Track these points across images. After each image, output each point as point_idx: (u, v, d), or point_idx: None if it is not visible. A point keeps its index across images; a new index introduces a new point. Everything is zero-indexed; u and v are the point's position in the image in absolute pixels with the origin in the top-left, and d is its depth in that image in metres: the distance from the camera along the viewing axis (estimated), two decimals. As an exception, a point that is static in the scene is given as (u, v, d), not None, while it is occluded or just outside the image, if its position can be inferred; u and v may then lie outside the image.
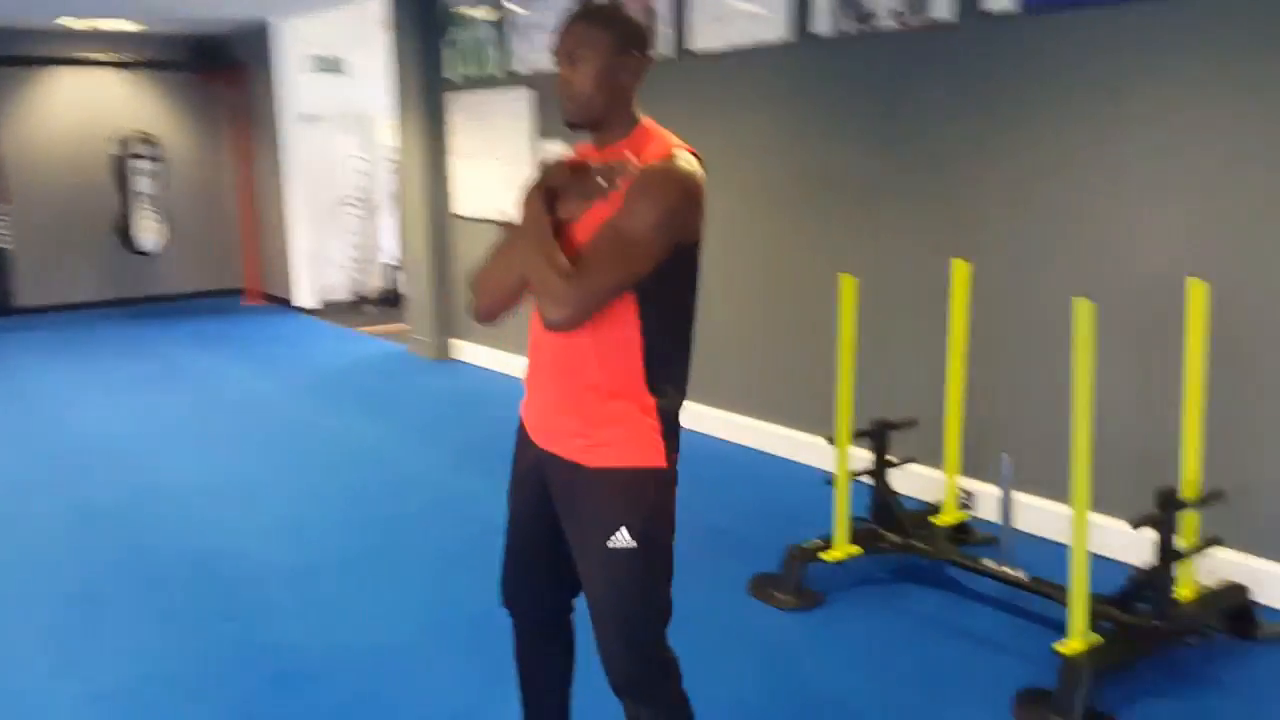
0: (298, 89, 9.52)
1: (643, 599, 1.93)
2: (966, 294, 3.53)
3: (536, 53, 6.06)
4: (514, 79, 6.29)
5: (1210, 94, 3.27)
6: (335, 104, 9.99)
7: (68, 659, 3.14)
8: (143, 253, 9.89)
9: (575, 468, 1.92)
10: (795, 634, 3.21)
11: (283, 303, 10.09)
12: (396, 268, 10.11)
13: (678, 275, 1.90)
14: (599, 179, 1.84)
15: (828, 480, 3.49)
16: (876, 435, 3.55)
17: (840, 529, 3.42)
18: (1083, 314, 2.67)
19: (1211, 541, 3.03)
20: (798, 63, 4.54)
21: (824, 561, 3.42)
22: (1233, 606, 3.10)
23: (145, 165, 9.68)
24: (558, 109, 1.93)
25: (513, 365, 6.80)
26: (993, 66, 3.82)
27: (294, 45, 9.42)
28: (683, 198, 1.82)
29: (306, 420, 5.91)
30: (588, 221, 1.86)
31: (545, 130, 6.14)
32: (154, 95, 10.05)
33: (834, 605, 3.38)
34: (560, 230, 1.86)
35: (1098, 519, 3.14)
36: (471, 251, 7.05)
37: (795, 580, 3.37)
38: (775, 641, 3.17)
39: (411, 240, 7.45)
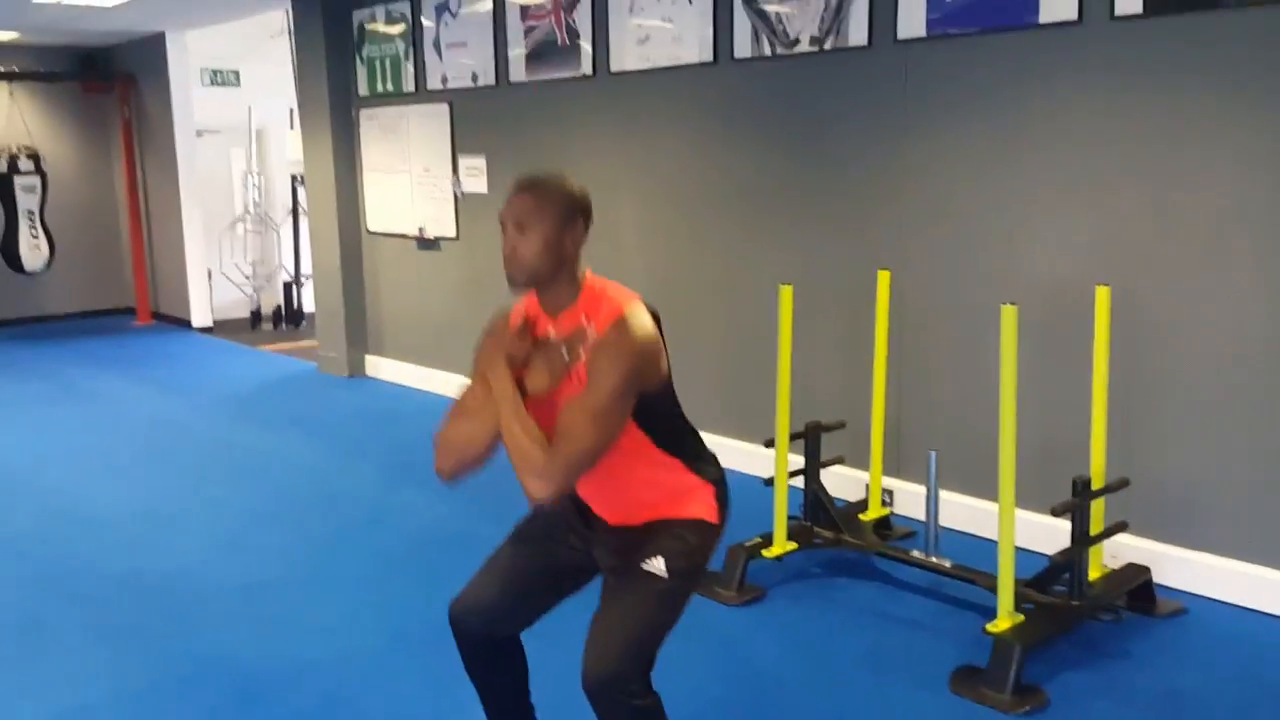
0: (191, 102, 9.32)
1: (653, 621, 2.07)
2: (888, 302, 3.78)
3: (453, 69, 6.14)
4: (431, 95, 6.35)
5: (1105, 115, 3.59)
6: (230, 117, 9.84)
7: (20, 683, 3.09)
8: (29, 272, 9.51)
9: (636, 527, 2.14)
10: (742, 626, 3.38)
11: (176, 321, 9.84)
12: (296, 284, 9.99)
13: (665, 402, 2.11)
14: (564, 354, 2.02)
15: (767, 481, 3.69)
16: (810, 437, 3.77)
17: (779, 527, 3.62)
18: (1008, 320, 2.92)
19: (1118, 527, 3.33)
20: (719, 83, 4.74)
21: (763, 558, 3.61)
22: (1136, 586, 3.41)
23: (31, 181, 9.33)
24: (505, 275, 2.06)
25: (428, 380, 6.83)
26: (906, 88, 4.09)
27: (188, 57, 9.23)
28: (639, 359, 1.98)
29: (224, 439, 5.84)
30: (556, 395, 2.03)
31: (464, 146, 6.22)
32: (40, 109, 9.69)
33: (775, 599, 3.57)
34: (527, 401, 2.01)
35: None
36: (387, 267, 7.07)
37: (738, 576, 3.55)
38: (724, 634, 3.33)
39: (322, 256, 7.40)
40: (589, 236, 2.09)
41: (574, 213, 2.05)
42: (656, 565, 2.05)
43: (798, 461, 3.78)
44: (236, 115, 9.83)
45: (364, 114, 6.94)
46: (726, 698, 2.96)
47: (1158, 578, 3.49)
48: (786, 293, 3.53)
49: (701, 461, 2.17)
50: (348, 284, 7.25)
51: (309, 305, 10.28)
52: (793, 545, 3.66)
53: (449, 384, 6.61)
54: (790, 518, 3.73)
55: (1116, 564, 3.48)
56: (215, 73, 9.74)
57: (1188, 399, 3.51)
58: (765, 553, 3.60)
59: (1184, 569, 3.55)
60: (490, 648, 2.29)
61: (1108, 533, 3.29)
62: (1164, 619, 3.39)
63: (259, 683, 3.05)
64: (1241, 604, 3.44)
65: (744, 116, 4.68)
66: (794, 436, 3.73)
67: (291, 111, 9.76)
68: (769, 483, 3.67)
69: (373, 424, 6.14)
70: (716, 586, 3.57)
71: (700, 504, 2.15)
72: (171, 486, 4.96)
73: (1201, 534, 3.54)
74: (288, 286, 10.00)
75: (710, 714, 2.85)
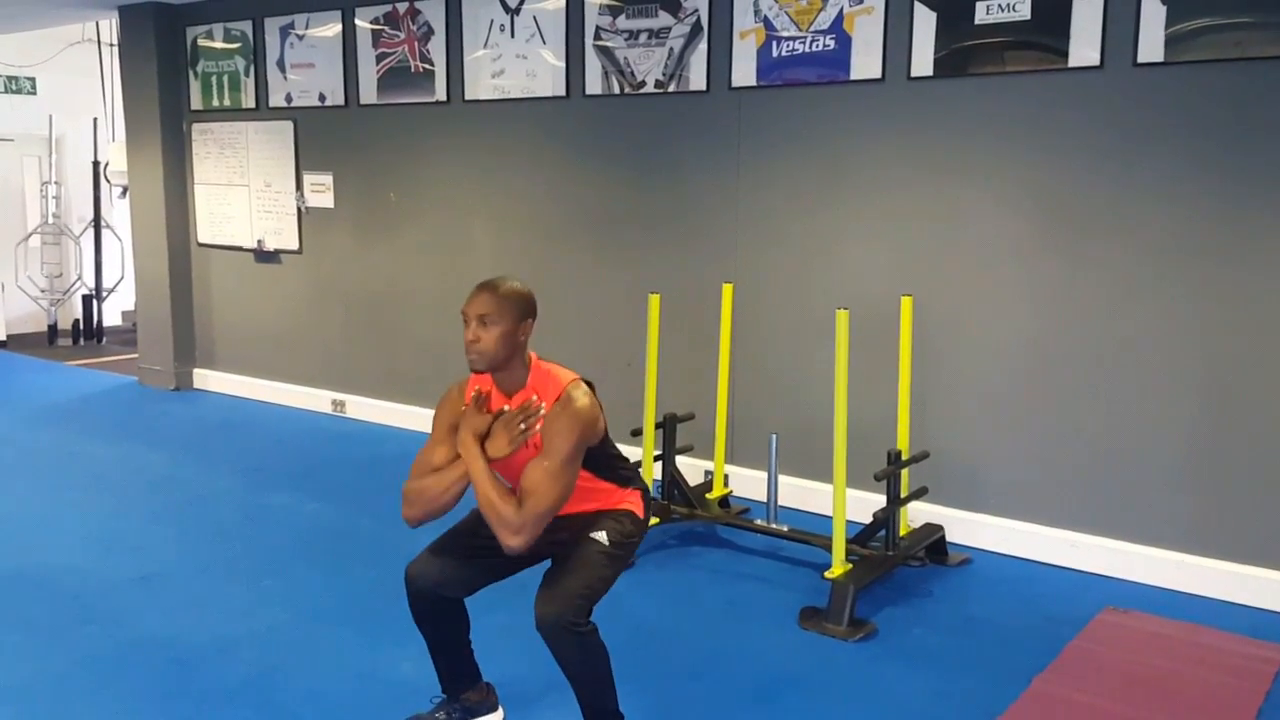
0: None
1: (597, 576, 2.54)
2: (731, 311, 4.41)
3: (298, 89, 6.37)
4: (274, 112, 6.54)
5: (903, 158, 4.38)
6: (25, 125, 9.48)
7: (-62, 670, 3.19)
8: None
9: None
10: (619, 589, 3.86)
11: (-39, 336, 9.35)
12: (97, 298, 9.69)
13: (603, 449, 2.62)
14: (520, 426, 2.49)
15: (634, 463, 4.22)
16: (667, 427, 4.34)
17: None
18: (841, 322, 3.60)
19: (921, 490, 4.08)
20: (572, 116, 5.27)
21: (631, 531, 4.14)
22: (933, 540, 4.17)
23: None
24: (467, 360, 2.52)
25: (265, 392, 6.96)
26: (739, 128, 4.77)
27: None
28: (584, 427, 2.50)
29: (66, 450, 5.80)
30: (516, 459, 2.51)
31: (310, 163, 6.44)
32: None
33: (643, 566, 4.10)
34: (491, 465, 2.49)
35: (823, 485, 4.07)
36: (220, 280, 7.13)
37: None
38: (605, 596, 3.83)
39: (147, 269, 7.35)
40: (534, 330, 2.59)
41: (526, 312, 2.54)
42: (600, 536, 2.57)
43: (659, 447, 4.34)
44: (32, 123, 9.49)
45: (197, 128, 7.01)
46: (616, 646, 3.39)
47: (948, 536, 4.27)
48: (654, 301, 4.10)
49: (629, 480, 2.72)
50: (176, 296, 7.25)
51: (110, 319, 10.01)
52: (655, 520, 4.21)
53: (290, 394, 6.79)
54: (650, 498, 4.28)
55: (916, 524, 4.24)
56: (9, 79, 9.36)
57: (969, 387, 4.33)
58: (633, 526, 4.13)
59: (969, 527, 4.36)
60: (437, 604, 2.70)
61: (914, 495, 4.03)
62: (955, 567, 4.17)
63: (192, 656, 3.29)
64: (1012, 554, 4.28)
65: (596, 147, 5.23)
66: (654, 426, 4.29)
67: (96, 121, 9.54)
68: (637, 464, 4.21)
69: (217, 434, 6.23)
70: (592, 557, 4.07)
71: (631, 504, 2.70)
72: (26, 493, 4.95)
73: (981, 498, 4.36)
74: (87, 300, 9.69)
75: (607, 655, 3.34)
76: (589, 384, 2.60)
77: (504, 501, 2.42)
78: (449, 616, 2.75)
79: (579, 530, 2.60)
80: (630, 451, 4.33)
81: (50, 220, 9.58)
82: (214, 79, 6.81)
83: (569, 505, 2.56)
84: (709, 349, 4.64)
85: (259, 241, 6.77)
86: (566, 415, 2.47)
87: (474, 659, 2.87)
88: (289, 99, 6.44)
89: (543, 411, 2.49)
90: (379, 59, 5.95)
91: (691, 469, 4.71)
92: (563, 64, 5.22)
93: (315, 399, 6.68)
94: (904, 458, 3.97)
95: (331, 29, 6.13)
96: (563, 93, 5.24)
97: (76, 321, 9.65)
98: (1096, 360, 4.05)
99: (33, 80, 9.55)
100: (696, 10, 4.77)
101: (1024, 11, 4.01)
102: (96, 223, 9.65)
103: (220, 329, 7.23)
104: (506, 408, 2.55)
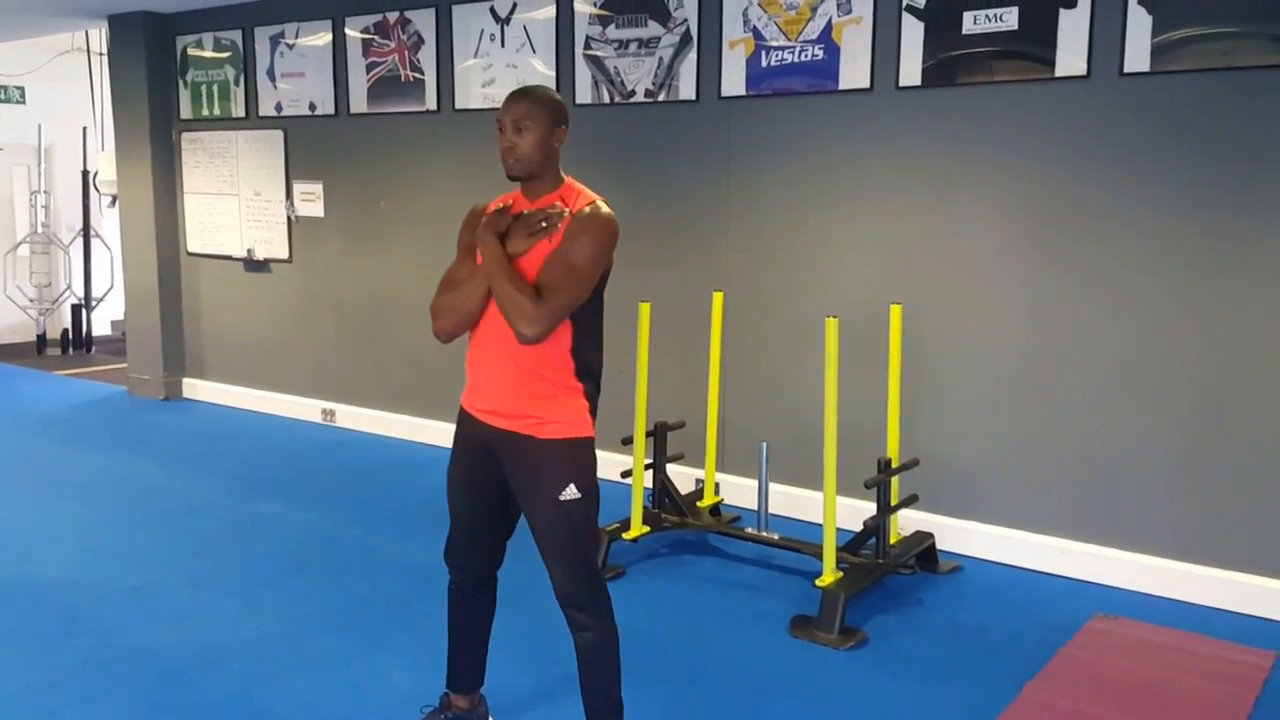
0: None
1: (588, 534, 2.54)
2: (721, 320, 4.42)
3: (289, 98, 6.37)
4: (264, 121, 6.54)
5: (893, 168, 4.40)
6: (13, 135, 9.45)
7: (-75, 683, 3.18)
8: None
9: (527, 440, 2.50)
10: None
11: (-50, 346, 9.30)
12: (86, 307, 9.66)
13: (595, 295, 2.54)
14: (543, 223, 2.47)
15: (624, 474, 4.23)
16: (658, 435, 4.34)
17: (636, 513, 4.17)
18: (831, 330, 3.61)
19: (911, 498, 4.09)
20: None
21: (622, 540, 4.15)
22: (923, 548, 4.18)
23: None
24: (504, 167, 2.50)
25: (255, 401, 6.94)
26: (729, 137, 4.78)
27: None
28: (609, 235, 2.48)
29: (57, 460, 5.78)
30: (534, 256, 2.46)
31: (300, 173, 6.44)
32: None
33: (634, 574, 4.11)
34: (511, 262, 2.45)
35: (814, 493, 4.08)
36: (210, 289, 7.11)
37: (603, 557, 4.06)
38: (595, 605, 3.82)
39: (136, 278, 7.33)
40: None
41: (559, 117, 2.52)
42: (571, 492, 2.49)
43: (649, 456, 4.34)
44: (21, 133, 9.46)
45: (186, 137, 7.00)
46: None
47: (938, 543, 4.28)
48: (645, 309, 4.11)
49: (590, 374, 2.56)
50: (165, 306, 7.23)
51: (99, 329, 9.98)
52: (646, 529, 4.21)
53: (280, 404, 6.78)
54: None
55: (906, 532, 4.25)
56: (-1, 88, 9.36)
57: (959, 395, 4.35)
58: (624, 535, 4.14)
59: (959, 534, 4.37)
60: (479, 586, 2.72)
61: (904, 503, 4.04)
62: (946, 574, 4.18)
63: (182, 667, 3.27)
64: (1003, 561, 4.29)
65: (586, 156, 5.20)
66: (645, 435, 4.29)
67: (85, 130, 9.52)
68: (626, 474, 4.22)
69: (207, 443, 6.21)
70: (583, 566, 4.07)
71: (576, 418, 2.50)
72: (14, 503, 4.93)
73: (971, 506, 4.37)
74: (76, 309, 9.66)
75: (598, 665, 3.34)
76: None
77: (521, 290, 2.36)
78: (484, 605, 2.77)
79: (542, 480, 2.49)
80: (622, 460, 4.34)
81: (39, 229, 9.54)
82: (204, 88, 6.81)
83: (528, 378, 2.47)
84: (700, 357, 4.65)
85: (249, 251, 6.77)
86: (594, 220, 2.44)
87: (485, 660, 2.87)
88: (279, 108, 6.44)
89: (566, 215, 2.44)
90: (369, 68, 5.96)
91: (682, 477, 4.71)
92: (553, 73, 5.23)
93: (305, 408, 6.66)
94: (894, 465, 3.98)
95: (322, 38, 6.13)
96: (553, 102, 5.24)
97: (65, 331, 9.61)
98: (1085, 368, 4.07)
99: (22, 89, 9.53)
100: (686, 20, 4.79)
101: (1011, 21, 4.04)
102: (86, 232, 9.62)
103: (210, 338, 7.21)
104: (527, 212, 2.51)
